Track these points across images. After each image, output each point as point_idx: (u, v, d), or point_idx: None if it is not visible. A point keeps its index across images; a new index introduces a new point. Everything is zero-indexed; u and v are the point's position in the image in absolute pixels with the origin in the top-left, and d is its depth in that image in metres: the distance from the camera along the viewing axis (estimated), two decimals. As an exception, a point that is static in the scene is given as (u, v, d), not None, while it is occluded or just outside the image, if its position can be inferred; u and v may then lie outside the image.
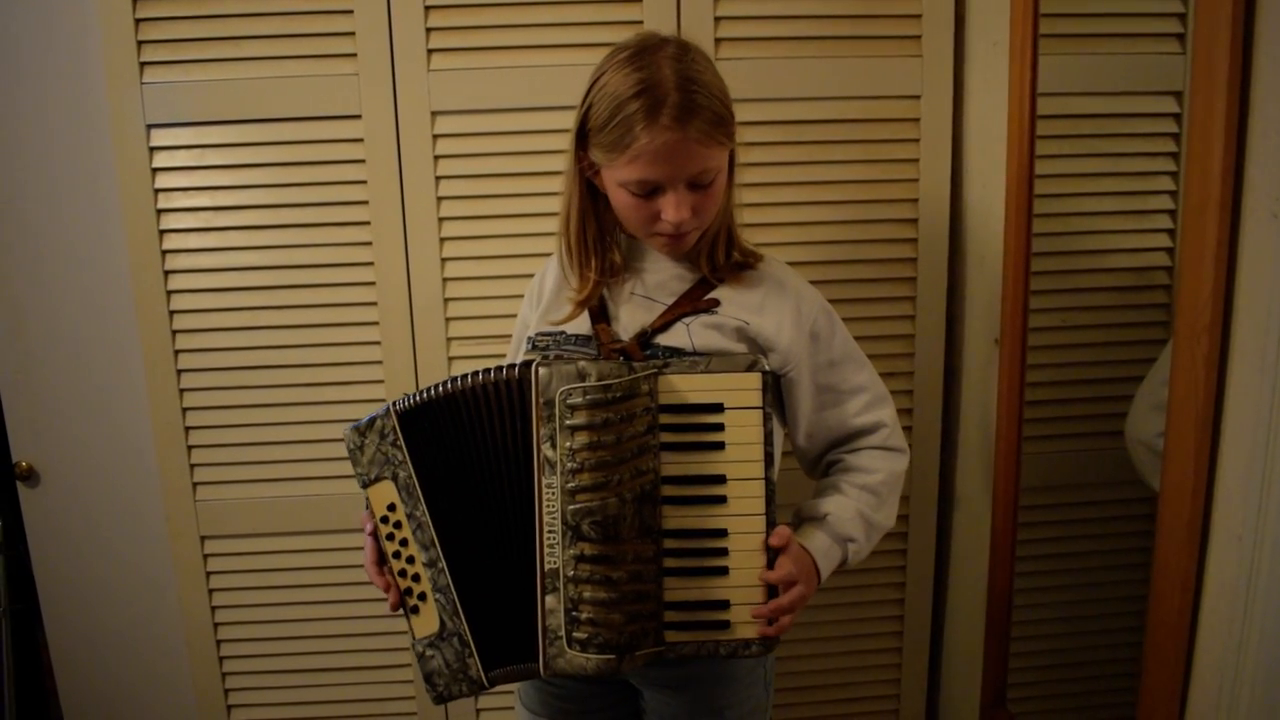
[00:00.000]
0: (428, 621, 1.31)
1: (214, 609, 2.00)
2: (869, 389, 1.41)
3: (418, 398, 1.28)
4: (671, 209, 1.25)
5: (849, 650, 2.09)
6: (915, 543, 2.03)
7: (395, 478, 1.29)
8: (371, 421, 1.30)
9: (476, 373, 1.27)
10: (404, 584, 1.32)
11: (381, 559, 1.33)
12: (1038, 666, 1.91)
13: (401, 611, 1.33)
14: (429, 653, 1.31)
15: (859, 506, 1.36)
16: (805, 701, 2.11)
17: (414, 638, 1.32)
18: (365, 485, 1.32)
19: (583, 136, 1.29)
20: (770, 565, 1.25)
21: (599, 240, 1.38)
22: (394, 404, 1.29)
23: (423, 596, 1.30)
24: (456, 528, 1.29)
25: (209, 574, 1.99)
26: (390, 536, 1.31)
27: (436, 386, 1.28)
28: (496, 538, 1.27)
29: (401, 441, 1.29)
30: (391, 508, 1.30)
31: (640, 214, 1.29)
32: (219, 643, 2.02)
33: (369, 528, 1.33)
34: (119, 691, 2.14)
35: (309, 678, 2.04)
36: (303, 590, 2.00)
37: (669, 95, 1.20)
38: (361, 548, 1.35)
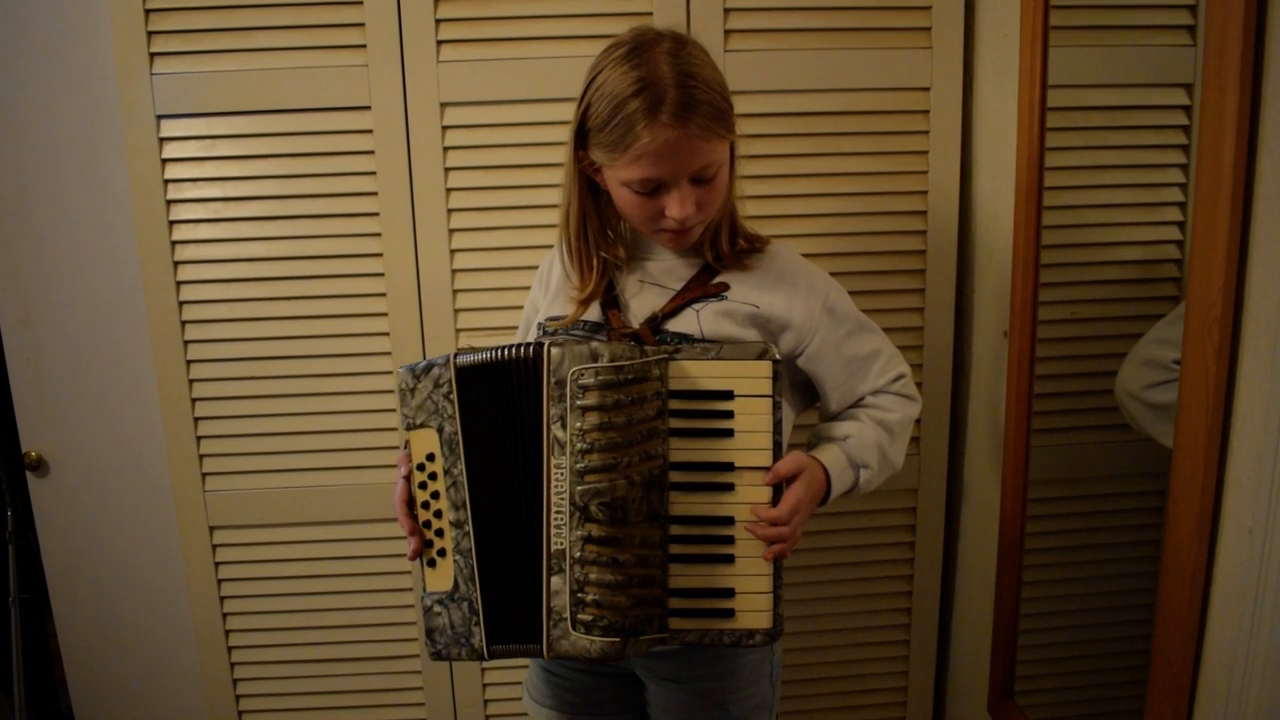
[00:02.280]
0: (442, 577, 1.32)
1: (222, 598, 2.01)
2: (884, 349, 1.44)
3: (476, 357, 1.28)
4: (676, 206, 1.26)
5: (856, 642, 2.10)
6: (923, 534, 2.03)
7: (440, 429, 1.29)
8: (429, 367, 1.30)
9: (495, 348, 1.27)
10: (427, 535, 1.33)
11: (410, 503, 1.34)
12: (1046, 659, 1.91)
13: (417, 561, 1.34)
14: (437, 609, 1.32)
15: (878, 437, 1.37)
16: (812, 694, 2.12)
17: (424, 589, 1.33)
18: (409, 428, 1.32)
19: (582, 136, 1.29)
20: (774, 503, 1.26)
21: (600, 236, 1.38)
22: (455, 356, 1.28)
23: (442, 552, 1.32)
24: (486, 495, 1.29)
25: (217, 564, 1.99)
26: (423, 485, 1.32)
27: (487, 351, 1.27)
28: (513, 513, 1.27)
29: (455, 395, 1.28)
30: (430, 457, 1.31)
31: (644, 212, 1.29)
32: (227, 632, 2.03)
33: (404, 470, 1.34)
34: (127, 681, 2.16)
35: (317, 668, 2.05)
36: (311, 580, 2.01)
37: (668, 92, 1.19)
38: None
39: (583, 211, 1.36)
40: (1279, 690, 1.11)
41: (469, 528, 1.29)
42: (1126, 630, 1.74)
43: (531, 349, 1.24)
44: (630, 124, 1.20)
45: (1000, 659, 1.82)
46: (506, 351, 1.26)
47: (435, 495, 1.31)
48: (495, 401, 1.27)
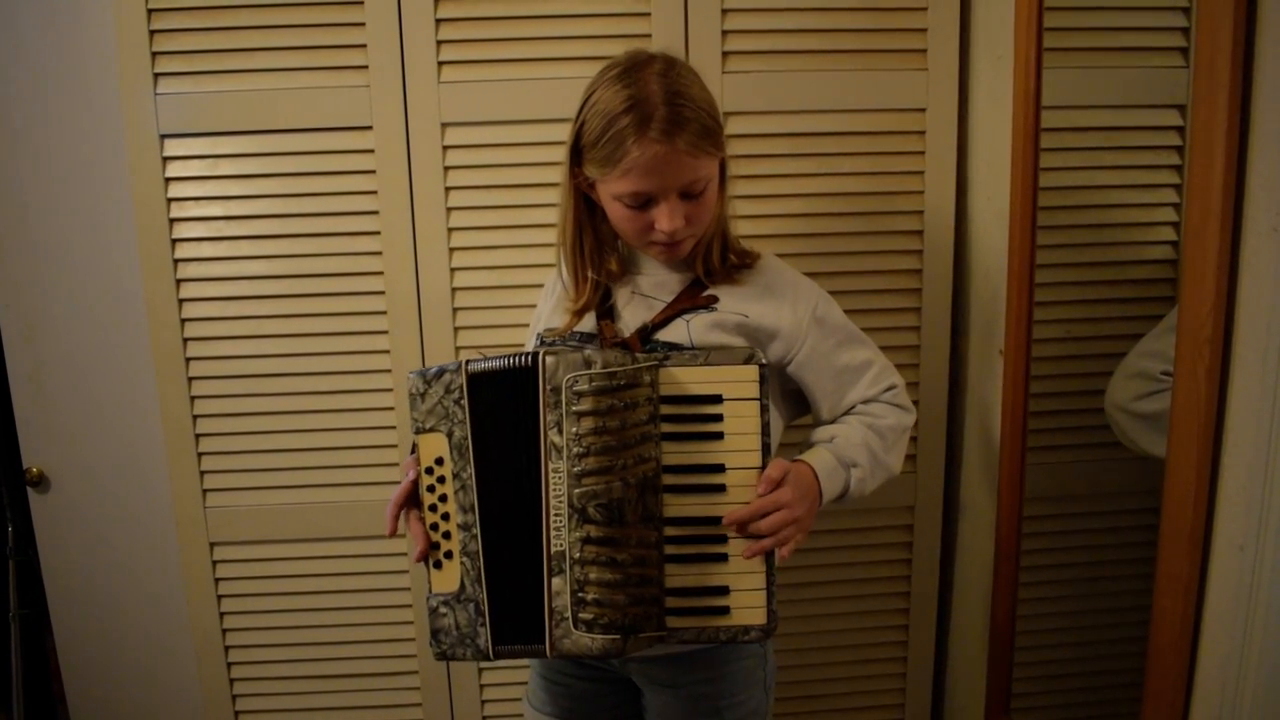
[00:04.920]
0: (448, 579, 1.33)
1: (222, 615, 2.01)
2: (876, 361, 1.46)
3: (488, 364, 1.30)
4: (665, 219, 1.30)
5: (853, 659, 2.10)
6: (920, 551, 2.04)
7: (450, 434, 1.32)
8: (440, 373, 1.32)
9: (504, 356, 1.30)
10: (434, 537, 1.34)
11: (413, 504, 1.36)
12: (1042, 675, 1.91)
13: (422, 563, 1.36)
14: (442, 609, 1.33)
15: (866, 438, 1.39)
16: (808, 710, 2.12)
17: (430, 590, 1.35)
18: (418, 433, 1.34)
19: (577, 153, 1.34)
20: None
21: (596, 251, 1.43)
22: (466, 363, 1.31)
23: (449, 554, 1.33)
24: (493, 499, 1.31)
25: (218, 580, 2.00)
26: (431, 489, 1.34)
27: (497, 359, 1.30)
28: (517, 516, 1.29)
29: (465, 401, 1.31)
30: (439, 461, 1.33)
31: (635, 225, 1.33)
32: (227, 648, 2.03)
33: (411, 474, 1.36)
34: (127, 696, 2.16)
35: (317, 684, 2.05)
36: (311, 596, 2.01)
37: (657, 110, 1.25)
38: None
39: (578, 226, 1.41)
40: (1272, 707, 1.12)
41: (476, 530, 1.31)
42: (1121, 646, 1.74)
43: (528, 358, 1.27)
44: (620, 139, 1.25)
45: (996, 675, 1.82)
46: (512, 360, 1.29)
47: (443, 498, 1.34)
48: (501, 408, 1.30)
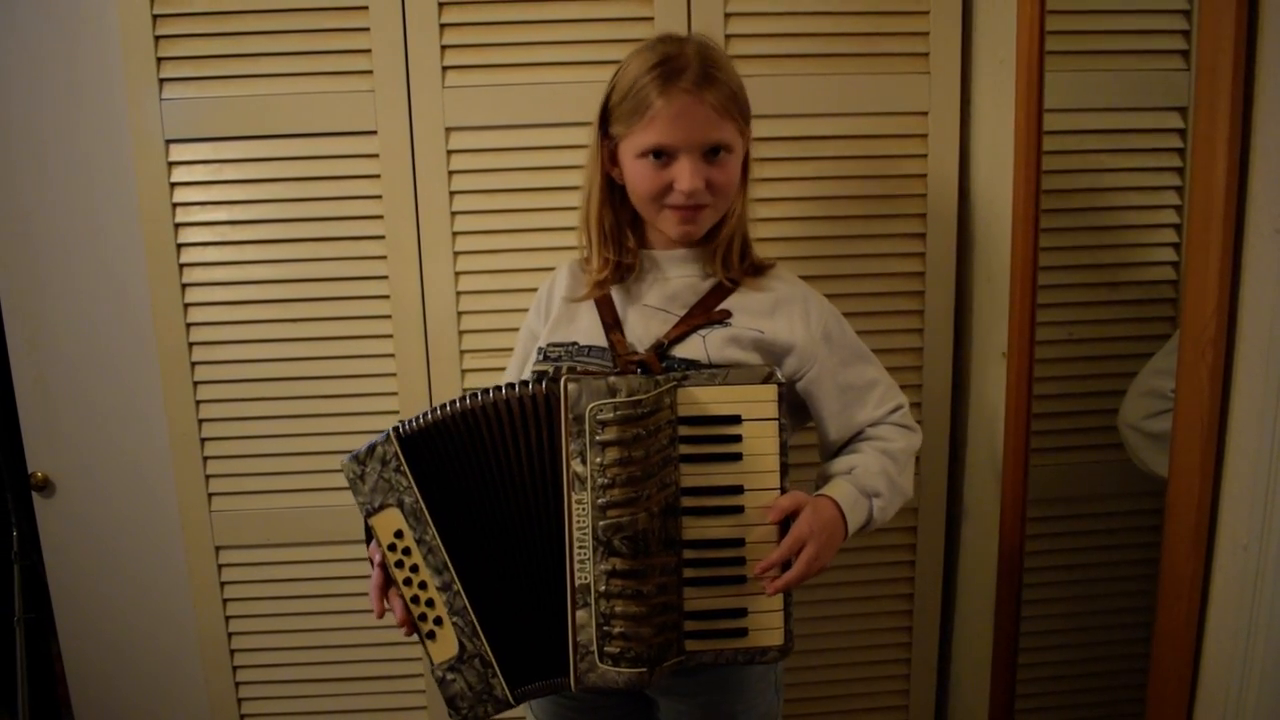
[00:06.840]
0: (446, 646, 1.29)
1: (228, 619, 2.01)
2: (882, 380, 1.46)
3: (421, 420, 1.27)
4: (686, 177, 1.29)
5: (857, 661, 2.10)
6: (924, 555, 2.04)
7: (400, 504, 1.27)
8: (371, 449, 1.28)
9: (499, 387, 1.26)
10: (417, 610, 1.29)
11: (388, 585, 1.31)
12: (1046, 677, 1.92)
13: (415, 637, 1.31)
14: (450, 676, 1.29)
15: (882, 465, 1.38)
16: (813, 713, 2.12)
17: (432, 663, 1.30)
18: (369, 515, 1.29)
19: (605, 116, 1.35)
20: (783, 532, 1.26)
21: (616, 229, 1.42)
22: (394, 429, 1.27)
23: (439, 621, 1.28)
24: (471, 548, 1.28)
25: (223, 584, 2.00)
26: (399, 564, 1.29)
27: (447, 405, 1.27)
28: (519, 555, 1.27)
29: (405, 467, 1.26)
30: (399, 534, 1.28)
31: (654, 184, 1.32)
32: (232, 652, 2.03)
33: (377, 558, 1.31)
34: (131, 701, 2.15)
35: (323, 687, 2.05)
36: (317, 600, 2.01)
37: (690, 65, 1.27)
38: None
39: (601, 200, 1.40)
40: (1276, 703, 1.12)
41: (457, 586, 1.27)
42: (1125, 648, 1.75)
43: (545, 385, 1.24)
44: (648, 90, 1.27)
45: (1000, 678, 1.82)
46: (466, 401, 1.26)
47: (414, 569, 1.29)
48: (470, 451, 1.27)
